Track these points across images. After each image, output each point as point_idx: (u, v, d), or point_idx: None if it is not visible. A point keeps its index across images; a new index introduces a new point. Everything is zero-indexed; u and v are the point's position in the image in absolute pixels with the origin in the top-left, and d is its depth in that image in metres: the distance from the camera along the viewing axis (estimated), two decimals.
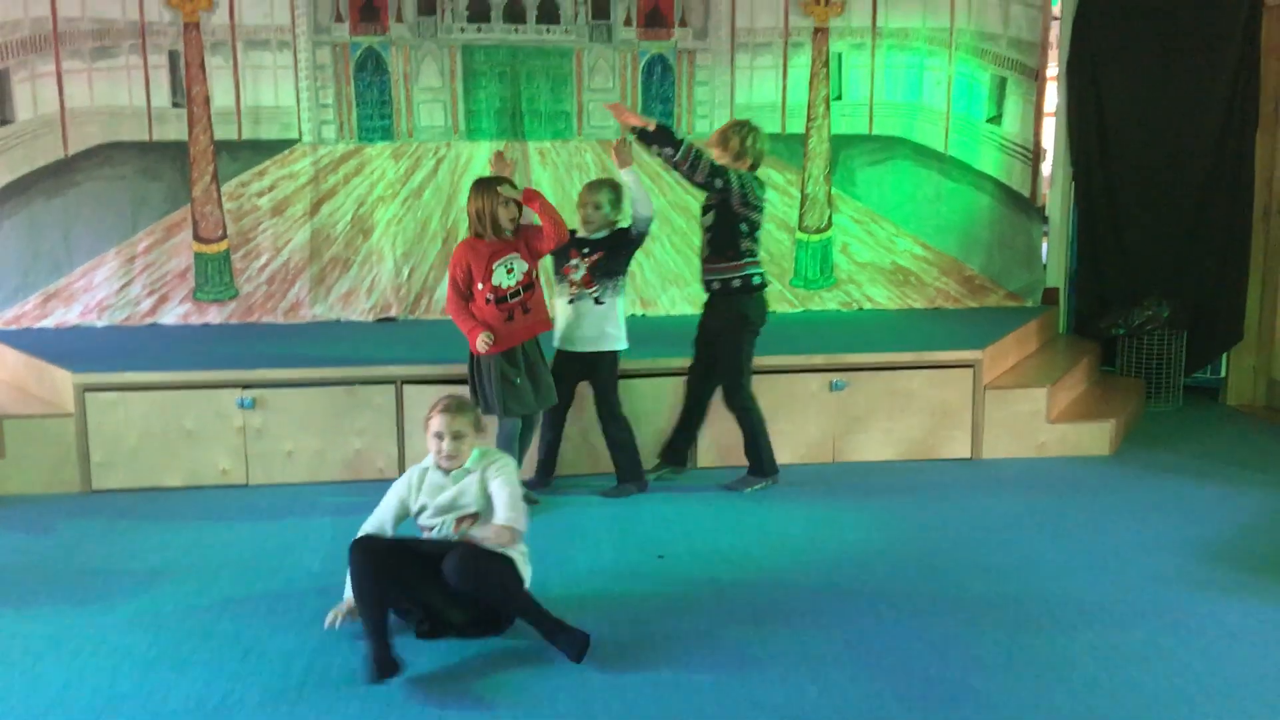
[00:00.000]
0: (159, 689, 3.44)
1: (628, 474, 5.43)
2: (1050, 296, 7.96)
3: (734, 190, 5.10)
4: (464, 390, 4.98)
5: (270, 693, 3.41)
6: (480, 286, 4.95)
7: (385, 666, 3.43)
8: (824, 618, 3.94)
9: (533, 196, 4.99)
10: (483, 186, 4.97)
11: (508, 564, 3.78)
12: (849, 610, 4.01)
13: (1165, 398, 7.33)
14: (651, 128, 5.01)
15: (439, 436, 3.87)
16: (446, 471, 3.90)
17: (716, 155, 5.15)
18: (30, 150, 6.92)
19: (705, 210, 5.25)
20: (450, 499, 3.88)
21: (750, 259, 5.23)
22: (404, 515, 3.95)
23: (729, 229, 5.16)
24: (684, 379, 5.59)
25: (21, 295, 7.00)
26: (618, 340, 5.35)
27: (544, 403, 5.17)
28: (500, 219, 4.96)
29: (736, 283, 5.22)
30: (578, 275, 5.25)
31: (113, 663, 3.61)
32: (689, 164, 4.99)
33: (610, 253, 5.27)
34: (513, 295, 4.98)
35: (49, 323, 7.00)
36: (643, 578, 4.35)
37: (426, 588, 3.74)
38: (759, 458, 5.45)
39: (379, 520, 3.92)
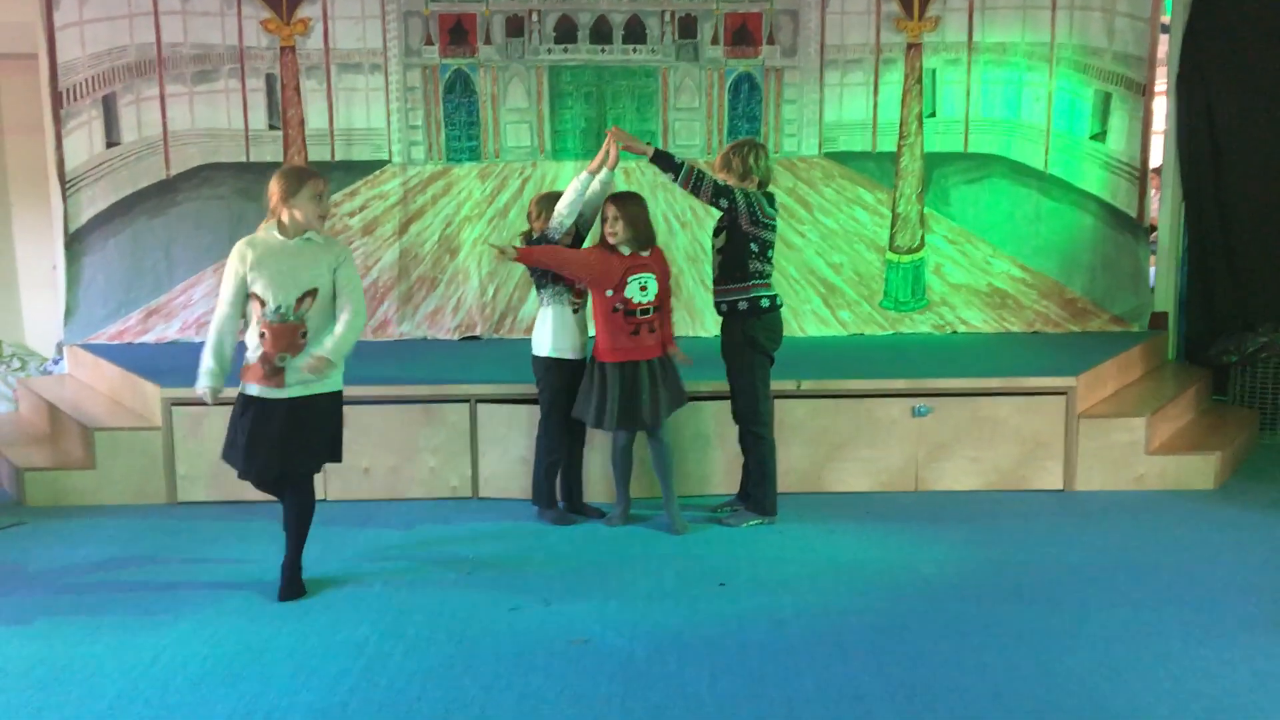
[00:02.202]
0: (207, 702, 3.48)
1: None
2: (1159, 321, 7.59)
3: (741, 209, 4.97)
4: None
5: (313, 711, 3.42)
6: (610, 294, 4.95)
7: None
8: (883, 655, 3.78)
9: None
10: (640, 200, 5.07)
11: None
12: (910, 648, 3.84)
13: None
14: (649, 154, 4.95)
15: (322, 197, 4.18)
16: (289, 238, 4.15)
17: (722, 177, 5.05)
18: (134, 171, 7.20)
19: (717, 232, 5.13)
20: (290, 267, 4.13)
21: (759, 280, 5.07)
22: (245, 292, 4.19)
23: (738, 249, 5.04)
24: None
25: (125, 311, 7.27)
26: None
27: (654, 418, 5.09)
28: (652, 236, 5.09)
29: (743, 305, 5.06)
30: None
31: (167, 675, 3.67)
32: (692, 185, 4.91)
33: None
34: (643, 312, 4.98)
35: (149, 338, 7.25)
36: (700, 606, 4.24)
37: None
38: (763, 492, 5.24)
39: (225, 311, 4.21)
